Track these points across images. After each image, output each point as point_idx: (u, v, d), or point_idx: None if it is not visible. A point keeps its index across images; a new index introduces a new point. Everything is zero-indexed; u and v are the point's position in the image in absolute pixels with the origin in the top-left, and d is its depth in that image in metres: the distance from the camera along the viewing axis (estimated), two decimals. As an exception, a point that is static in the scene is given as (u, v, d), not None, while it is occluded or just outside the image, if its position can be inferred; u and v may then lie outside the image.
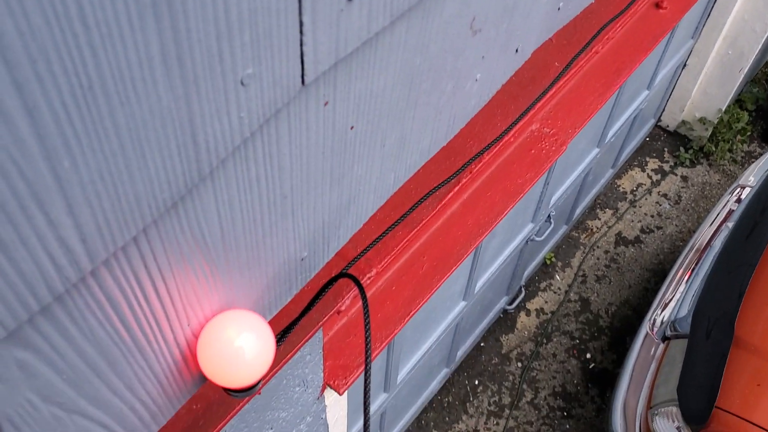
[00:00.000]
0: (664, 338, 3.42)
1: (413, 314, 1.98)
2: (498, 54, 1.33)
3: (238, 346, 0.93)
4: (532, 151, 2.26)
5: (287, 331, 1.22)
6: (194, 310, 0.90)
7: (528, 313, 4.34)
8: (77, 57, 0.53)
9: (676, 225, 4.80)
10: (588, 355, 4.20)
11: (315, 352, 1.64)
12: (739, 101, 5.34)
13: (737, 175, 5.01)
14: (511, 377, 4.09)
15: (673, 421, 3.09)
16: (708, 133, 5.05)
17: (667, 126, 5.26)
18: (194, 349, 0.94)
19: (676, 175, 5.07)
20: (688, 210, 4.88)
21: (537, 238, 3.64)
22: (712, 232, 3.79)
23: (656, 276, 4.53)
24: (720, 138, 5.04)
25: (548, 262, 4.53)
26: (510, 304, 4.22)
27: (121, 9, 0.54)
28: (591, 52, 2.51)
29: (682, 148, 5.16)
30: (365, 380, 1.16)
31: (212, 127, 0.71)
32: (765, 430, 2.80)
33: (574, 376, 4.11)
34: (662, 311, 3.55)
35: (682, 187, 5.00)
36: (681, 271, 3.70)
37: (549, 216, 3.68)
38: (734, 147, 5.13)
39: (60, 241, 0.62)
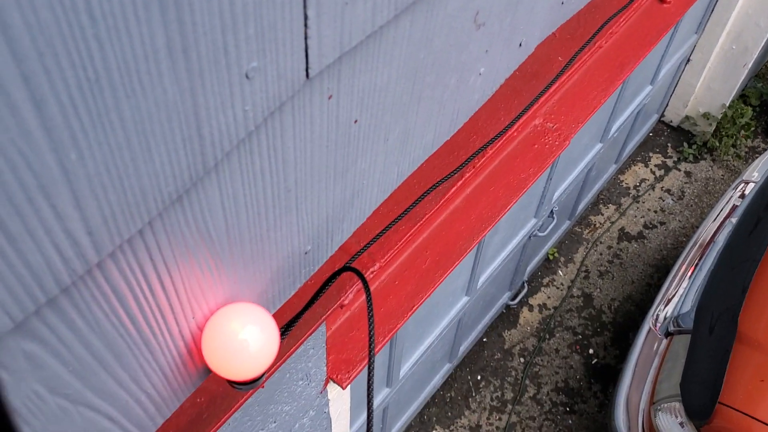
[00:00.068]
0: (667, 334, 3.42)
1: (416, 309, 1.99)
2: (502, 48, 1.33)
3: (243, 338, 0.93)
4: (536, 146, 2.26)
5: (291, 325, 1.22)
6: (199, 303, 0.90)
7: (531, 308, 4.34)
8: (84, 50, 0.53)
9: (679, 220, 4.80)
10: (591, 351, 4.20)
11: (318, 346, 1.65)
12: (743, 96, 5.33)
13: (741, 170, 5.00)
14: (513, 373, 4.09)
15: (676, 417, 3.10)
16: (712, 128, 5.04)
17: (671, 121, 5.25)
18: (199, 341, 0.94)
19: (680, 170, 5.06)
20: (692, 205, 4.87)
21: (540, 234, 3.64)
22: (716, 227, 3.78)
23: (659, 271, 4.53)
24: (724, 133, 5.03)
25: (551, 257, 4.54)
26: (513, 299, 4.22)
27: (128, 1, 0.54)
28: (594, 46, 2.51)
29: (685, 144, 5.15)
30: (368, 374, 1.16)
31: (217, 120, 0.71)
32: (768, 425, 2.80)
33: (577, 371, 4.12)
34: (665, 307, 3.55)
35: (686, 183, 4.99)
36: (684, 266, 3.70)
37: (552, 211, 3.68)
38: (738, 142, 5.12)
39: (67, 233, 0.62)
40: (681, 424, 3.07)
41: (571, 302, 4.38)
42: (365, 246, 1.55)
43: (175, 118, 0.66)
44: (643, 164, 5.08)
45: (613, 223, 4.76)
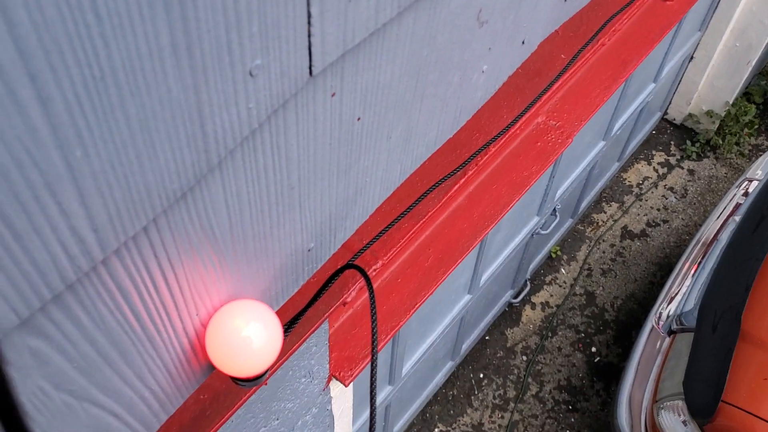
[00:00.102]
0: (670, 332, 3.42)
1: (418, 306, 1.99)
2: (505, 46, 1.33)
3: (246, 335, 0.94)
4: (538, 144, 2.26)
5: (294, 322, 1.22)
6: (203, 300, 0.91)
7: (533, 306, 4.34)
8: (89, 48, 0.54)
9: (682, 218, 4.79)
10: (593, 349, 4.20)
11: (321, 344, 1.65)
12: (746, 94, 5.32)
13: (744, 168, 4.99)
14: (516, 371, 4.09)
15: (679, 415, 3.10)
16: (715, 126, 5.03)
17: (674, 119, 5.24)
18: (203, 338, 0.95)
19: (683, 168, 5.06)
20: (695, 203, 4.87)
21: (542, 232, 3.64)
22: (719, 225, 3.78)
23: (662, 270, 4.53)
24: (727, 131, 5.02)
25: (554, 255, 4.54)
26: (515, 297, 4.22)
27: (133, 0, 0.55)
28: (597, 44, 2.51)
29: (688, 142, 5.15)
30: (371, 371, 1.16)
31: (221, 117, 0.72)
32: (770, 423, 2.80)
33: (580, 369, 4.12)
34: (668, 305, 3.55)
35: (689, 181, 4.99)
36: (687, 264, 3.69)
37: (554, 209, 3.68)
38: (741, 140, 5.11)
39: (72, 230, 0.62)
40: (684, 422, 3.07)
41: (574, 300, 4.38)
42: (368, 243, 1.55)
43: (179, 116, 0.66)
44: (646, 162, 5.07)
45: (615, 221, 4.76)
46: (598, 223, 4.74)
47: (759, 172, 4.00)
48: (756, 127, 5.16)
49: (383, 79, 1.00)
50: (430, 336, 3.11)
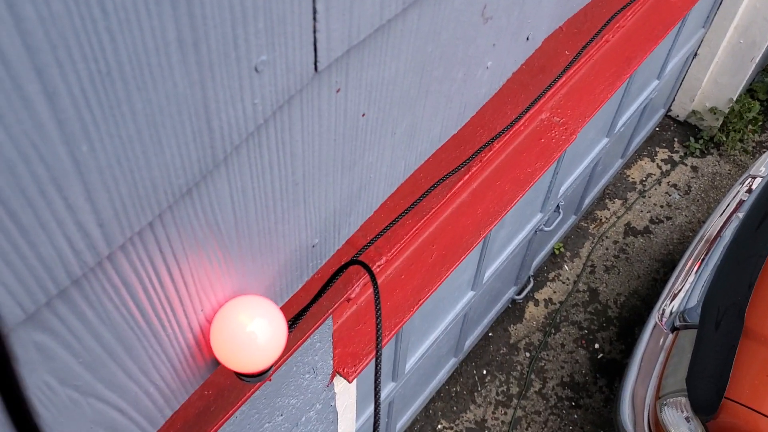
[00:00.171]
0: (673, 329, 3.42)
1: (422, 303, 1.99)
2: (509, 42, 1.33)
3: (251, 330, 0.94)
4: (542, 140, 2.26)
5: (298, 318, 1.23)
6: (207, 296, 0.91)
7: (536, 303, 4.34)
8: (96, 43, 0.54)
9: (685, 215, 4.78)
10: (596, 346, 4.20)
11: (325, 340, 1.65)
12: (750, 91, 5.30)
13: (748, 165, 4.98)
14: (519, 367, 4.09)
15: (682, 412, 3.10)
16: (719, 122, 5.02)
17: (677, 116, 5.23)
18: (207, 333, 0.95)
19: (686, 165, 5.05)
20: (698, 200, 4.86)
21: (546, 228, 3.64)
22: (722, 222, 3.77)
23: (665, 266, 4.52)
24: (731, 128, 5.01)
25: (557, 252, 4.53)
26: (518, 294, 4.22)
27: (139, -5, 0.55)
28: (601, 40, 2.50)
29: (692, 138, 5.14)
30: (376, 367, 1.17)
31: (227, 113, 0.72)
32: (774, 420, 2.80)
33: (583, 366, 4.12)
34: (671, 302, 3.55)
35: (692, 178, 4.98)
36: (690, 261, 3.69)
37: (558, 206, 3.68)
38: (745, 137, 5.10)
39: (78, 225, 0.62)
40: (687, 419, 3.07)
41: (577, 297, 4.38)
42: (372, 240, 1.55)
43: (185, 111, 0.66)
44: (649, 159, 5.06)
45: (619, 217, 4.75)
46: (601, 219, 4.74)
47: (762, 168, 3.99)
48: (760, 124, 5.14)
49: (388, 75, 0.99)
50: (434, 332, 3.11)
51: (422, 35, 1.01)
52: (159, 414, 0.96)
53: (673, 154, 5.10)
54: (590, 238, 4.64)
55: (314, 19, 0.76)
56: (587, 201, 4.52)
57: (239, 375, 0.99)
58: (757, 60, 4.60)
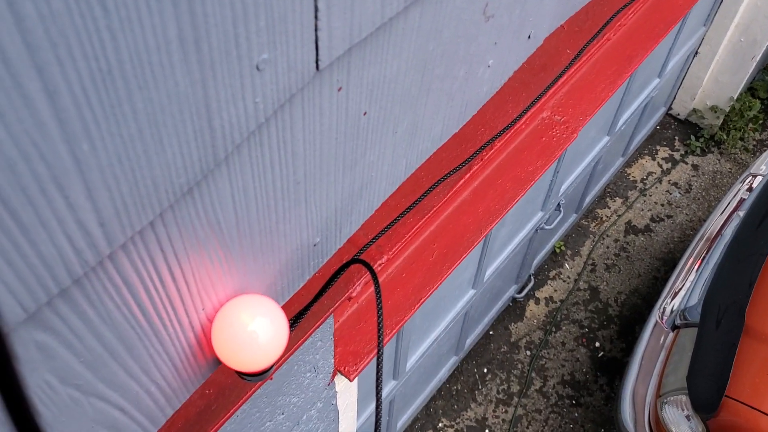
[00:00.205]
0: (674, 327, 3.42)
1: (423, 301, 1.99)
2: (510, 40, 1.33)
3: (252, 330, 0.93)
4: (543, 139, 2.26)
5: (299, 317, 1.22)
6: (209, 295, 0.90)
7: (537, 301, 4.34)
8: (97, 41, 0.53)
9: (686, 214, 4.78)
10: (597, 344, 4.20)
11: (326, 338, 1.65)
12: (751, 89, 5.30)
13: (749, 163, 4.98)
14: (519, 365, 4.09)
15: (683, 410, 3.10)
16: (719, 121, 5.02)
17: (678, 114, 5.23)
18: (208, 332, 0.95)
19: (687, 163, 5.04)
20: (699, 199, 4.86)
21: (546, 227, 3.63)
22: (723, 220, 3.77)
23: (666, 265, 4.52)
24: (731, 126, 5.01)
25: (557, 250, 4.53)
26: (519, 292, 4.22)
27: (140, -7, 0.54)
28: (603, 39, 2.50)
29: (692, 137, 5.13)
30: (377, 365, 1.16)
31: (228, 112, 0.71)
32: (775, 418, 2.80)
33: (583, 364, 4.12)
34: (672, 300, 3.55)
35: (693, 176, 4.97)
36: (691, 260, 3.69)
37: (559, 204, 3.68)
38: (746, 135, 5.10)
39: (79, 224, 0.62)
40: (687, 417, 3.07)
41: (578, 295, 4.38)
42: (373, 239, 1.55)
43: (186, 110, 0.66)
44: (650, 157, 5.06)
45: (619, 216, 4.75)
46: (602, 218, 4.73)
47: (763, 167, 3.99)
48: (760, 122, 5.14)
49: (389, 74, 0.99)
50: (434, 331, 3.11)
51: (424, 33, 1.01)
52: (160, 413, 0.96)
53: (673, 153, 5.09)
54: (591, 236, 4.64)
55: (316, 17, 0.75)
56: (588, 199, 4.51)
57: (240, 374, 0.99)
58: (758, 58, 4.59)
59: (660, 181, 4.94)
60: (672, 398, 3.15)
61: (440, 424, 3.88)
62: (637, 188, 4.89)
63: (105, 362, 0.79)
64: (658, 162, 5.04)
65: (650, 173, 4.98)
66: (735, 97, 4.87)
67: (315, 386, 1.77)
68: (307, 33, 0.76)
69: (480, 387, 4.01)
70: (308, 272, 1.15)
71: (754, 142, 5.15)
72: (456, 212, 2.09)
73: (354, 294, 1.70)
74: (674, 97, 5.09)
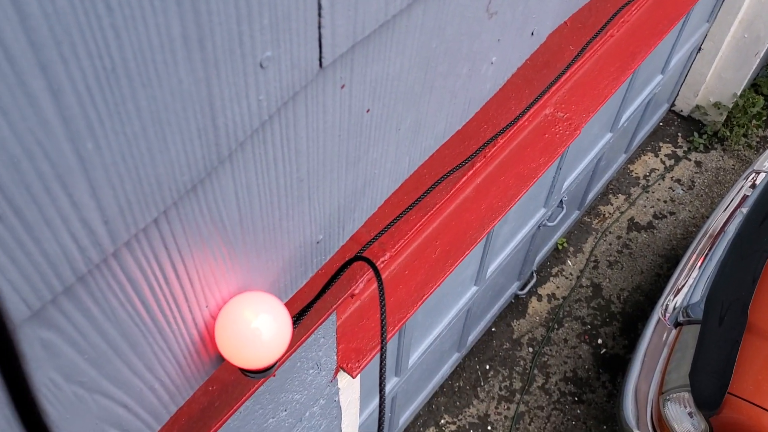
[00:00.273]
0: (677, 324, 3.41)
1: (426, 298, 1.99)
2: (514, 37, 1.32)
3: (255, 327, 0.94)
4: (546, 136, 2.26)
5: (302, 314, 1.23)
6: (212, 292, 0.91)
7: (539, 298, 4.34)
8: (101, 39, 0.53)
9: (689, 210, 4.77)
10: (599, 341, 4.20)
11: (329, 335, 1.66)
12: (754, 85, 5.28)
13: (752, 160, 4.97)
14: (522, 362, 4.10)
15: (685, 407, 3.10)
16: (722, 117, 5.01)
17: (681, 111, 5.22)
18: (212, 329, 0.95)
19: (690, 160, 5.03)
20: (702, 195, 4.85)
21: (549, 224, 3.63)
22: (726, 217, 3.77)
23: (669, 262, 4.52)
24: (735, 123, 5.00)
25: (560, 247, 4.53)
26: (521, 289, 4.22)
27: (144, -9, 0.54)
28: (606, 35, 2.49)
29: (696, 133, 5.12)
30: (381, 362, 1.17)
31: (231, 110, 0.72)
32: (777, 415, 2.80)
33: (586, 361, 4.12)
34: (675, 297, 3.55)
35: (696, 173, 4.97)
36: (694, 256, 3.68)
37: (561, 201, 3.67)
38: (749, 132, 5.09)
39: (83, 222, 0.62)
40: (690, 414, 3.07)
41: (580, 292, 4.38)
42: (376, 236, 1.55)
43: (190, 108, 0.66)
44: (653, 154, 5.05)
45: (622, 213, 4.74)
46: (604, 215, 4.73)
47: (766, 164, 3.98)
48: (764, 118, 5.13)
49: (393, 71, 0.99)
50: (437, 328, 3.12)
51: (427, 31, 1.01)
52: (164, 410, 0.96)
53: (676, 149, 5.08)
54: (593, 233, 4.64)
55: (319, 15, 0.75)
56: (591, 196, 4.51)
57: (243, 371, 0.99)
58: (762, 55, 4.58)
59: (663, 177, 4.93)
60: (674, 395, 3.15)
61: (442, 421, 3.88)
62: (640, 185, 4.89)
63: (109, 359, 0.79)
64: (661, 159, 5.03)
65: (653, 170, 4.97)
66: (738, 94, 4.86)
67: (318, 383, 1.77)
68: (310, 30, 0.76)
69: (482, 384, 4.01)
70: (311, 269, 1.15)
71: (758, 139, 5.14)
72: (459, 209, 2.09)
73: (357, 291, 1.70)
74: (677, 94, 5.08)
